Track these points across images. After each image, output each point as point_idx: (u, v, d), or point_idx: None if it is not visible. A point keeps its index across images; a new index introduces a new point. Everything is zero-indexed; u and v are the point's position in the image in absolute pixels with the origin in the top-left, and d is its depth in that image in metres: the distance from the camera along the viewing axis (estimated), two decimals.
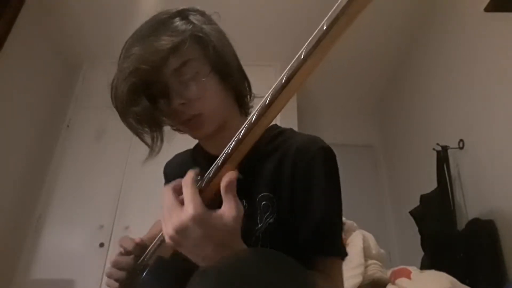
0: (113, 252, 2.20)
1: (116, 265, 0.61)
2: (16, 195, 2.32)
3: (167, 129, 0.67)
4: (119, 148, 2.53)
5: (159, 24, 0.60)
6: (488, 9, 1.65)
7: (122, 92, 0.56)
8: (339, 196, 0.63)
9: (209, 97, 0.61)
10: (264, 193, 0.61)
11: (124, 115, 0.59)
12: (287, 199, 0.60)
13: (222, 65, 0.63)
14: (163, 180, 0.84)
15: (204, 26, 0.62)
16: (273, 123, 0.47)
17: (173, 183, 0.49)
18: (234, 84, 0.67)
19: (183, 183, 0.46)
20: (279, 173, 0.62)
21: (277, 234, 0.58)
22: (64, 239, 2.33)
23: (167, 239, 0.46)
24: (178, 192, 0.48)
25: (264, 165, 0.64)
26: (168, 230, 0.45)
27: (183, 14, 0.62)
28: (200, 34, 0.61)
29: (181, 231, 0.43)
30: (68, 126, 2.68)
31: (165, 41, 0.56)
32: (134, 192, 2.41)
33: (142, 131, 0.61)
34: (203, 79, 0.60)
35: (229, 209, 0.45)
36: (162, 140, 0.64)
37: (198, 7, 0.67)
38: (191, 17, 0.63)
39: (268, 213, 0.59)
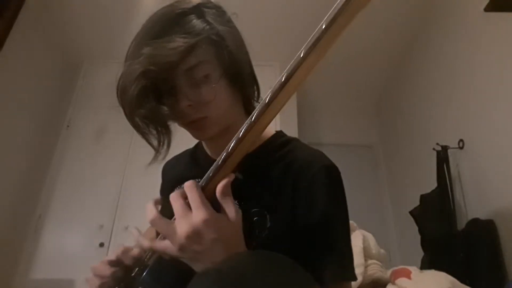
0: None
1: (94, 271, 0.59)
2: (16, 195, 2.32)
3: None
4: (119, 148, 2.53)
5: (173, 21, 0.56)
6: (488, 9, 1.65)
7: (131, 94, 0.53)
8: (345, 216, 0.60)
9: (217, 101, 0.58)
10: (257, 209, 0.58)
11: (131, 117, 0.57)
12: (284, 218, 0.57)
13: (234, 70, 0.60)
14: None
15: (220, 27, 0.59)
16: (273, 123, 0.47)
17: (154, 199, 0.48)
18: (244, 89, 0.65)
19: (186, 189, 0.46)
20: (278, 189, 0.59)
21: (272, 249, 0.56)
22: (64, 239, 2.33)
23: (175, 250, 0.45)
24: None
25: (265, 177, 0.61)
26: (178, 239, 0.44)
27: (198, 11, 0.58)
28: (216, 38, 0.57)
29: (193, 237, 0.43)
30: (68, 126, 2.68)
31: (179, 43, 0.52)
32: (134, 192, 2.41)
33: (149, 133, 0.59)
34: (215, 83, 0.57)
35: (230, 213, 0.46)
36: (169, 144, 0.61)
37: (213, 1, 0.63)
38: (207, 15, 0.59)
39: (260, 228, 0.58)
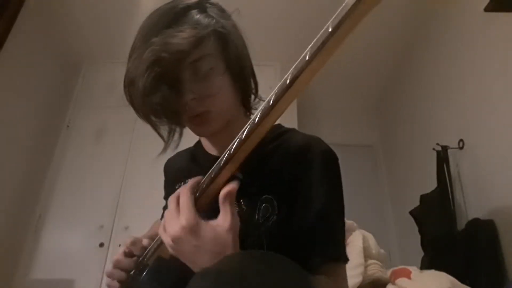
0: (113, 252, 2.20)
1: (117, 265, 0.60)
2: (16, 195, 2.32)
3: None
4: (119, 148, 2.53)
5: (179, 15, 0.56)
6: (488, 9, 1.65)
7: (144, 83, 0.52)
8: (340, 200, 0.61)
9: (220, 95, 0.59)
10: (265, 195, 0.59)
11: (143, 106, 0.56)
12: (288, 201, 0.58)
13: (238, 65, 0.61)
14: (163, 180, 0.84)
15: (224, 22, 0.60)
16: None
17: (178, 191, 0.49)
18: (244, 84, 0.66)
19: (180, 192, 0.47)
20: (280, 175, 0.60)
21: (277, 236, 0.57)
22: (64, 239, 2.33)
23: (167, 246, 0.48)
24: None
25: (265, 166, 0.62)
26: (166, 239, 0.47)
27: (201, 6, 0.59)
28: (223, 31, 0.59)
29: (176, 241, 0.45)
30: (68, 126, 2.67)
31: (189, 33, 0.53)
32: (134, 192, 2.41)
33: (160, 124, 0.59)
34: (220, 77, 0.58)
35: (223, 221, 0.46)
36: (180, 134, 0.62)
37: (214, 0, 0.64)
38: (210, 11, 0.60)
39: (268, 215, 0.58)
